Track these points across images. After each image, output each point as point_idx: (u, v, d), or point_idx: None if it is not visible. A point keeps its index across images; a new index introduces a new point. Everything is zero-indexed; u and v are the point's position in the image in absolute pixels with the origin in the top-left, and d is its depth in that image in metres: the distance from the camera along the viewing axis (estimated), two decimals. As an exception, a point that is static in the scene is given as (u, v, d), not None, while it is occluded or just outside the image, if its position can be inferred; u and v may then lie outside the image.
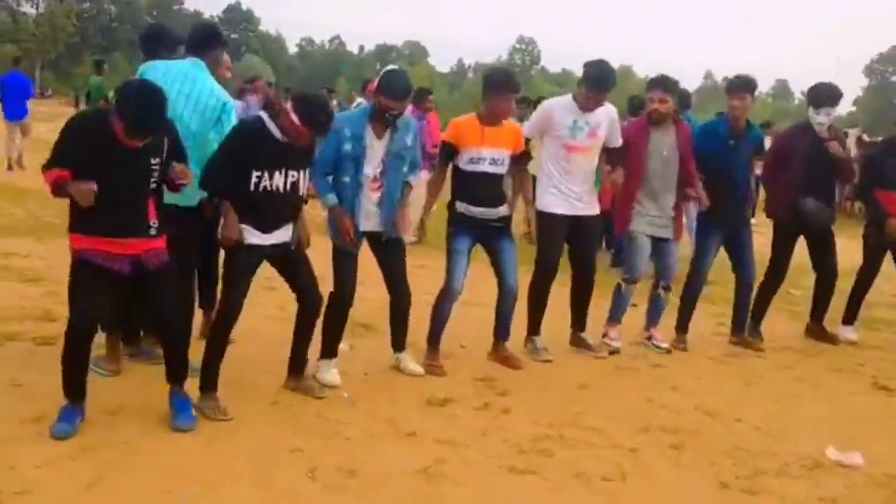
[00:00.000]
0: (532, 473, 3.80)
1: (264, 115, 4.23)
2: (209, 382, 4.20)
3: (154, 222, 3.89)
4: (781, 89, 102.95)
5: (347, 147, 4.59)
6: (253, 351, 4.88)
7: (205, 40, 4.73)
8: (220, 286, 5.16)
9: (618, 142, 5.60)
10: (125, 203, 3.78)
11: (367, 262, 4.89)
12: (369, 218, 4.71)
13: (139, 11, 78.39)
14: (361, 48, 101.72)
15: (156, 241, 3.91)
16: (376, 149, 4.65)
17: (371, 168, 4.65)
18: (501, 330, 5.34)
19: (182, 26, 4.91)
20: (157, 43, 4.90)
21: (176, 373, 4.05)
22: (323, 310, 4.60)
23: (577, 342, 5.76)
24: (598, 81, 5.32)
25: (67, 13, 70.18)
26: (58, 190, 3.72)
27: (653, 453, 4.14)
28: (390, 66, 4.86)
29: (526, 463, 3.90)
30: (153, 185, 3.88)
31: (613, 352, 5.76)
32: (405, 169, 4.79)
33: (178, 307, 4.10)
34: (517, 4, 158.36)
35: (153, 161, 3.82)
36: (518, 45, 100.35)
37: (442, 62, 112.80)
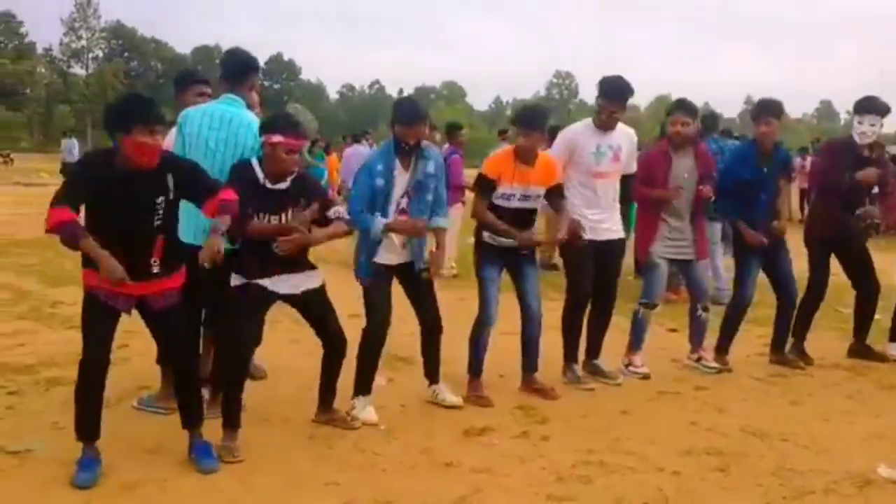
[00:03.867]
0: (571, 500, 3.73)
1: (253, 160, 4.23)
2: (230, 420, 4.17)
3: (156, 262, 3.78)
4: (825, 110, 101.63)
5: (380, 182, 4.60)
6: (290, 386, 4.91)
7: (240, 70, 4.73)
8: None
9: (633, 168, 5.58)
10: (128, 243, 3.69)
11: (403, 297, 4.88)
12: (395, 251, 4.71)
13: (185, 67, 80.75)
14: (401, 91, 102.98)
15: (162, 281, 3.83)
16: (401, 181, 4.68)
17: (396, 201, 4.67)
18: (530, 361, 5.29)
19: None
20: (184, 87, 5.03)
21: (191, 417, 4.03)
22: (357, 347, 4.64)
23: (591, 369, 5.67)
24: (613, 92, 5.31)
25: (115, 72, 72.63)
26: (67, 235, 3.58)
27: (696, 476, 4.04)
28: (400, 97, 4.89)
29: (565, 490, 3.83)
30: (158, 224, 3.77)
31: (645, 377, 5.66)
32: (429, 197, 4.78)
33: (189, 349, 4.07)
34: (553, 39, 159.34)
35: (157, 200, 3.73)
36: (555, 80, 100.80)
37: (480, 101, 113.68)
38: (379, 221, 4.55)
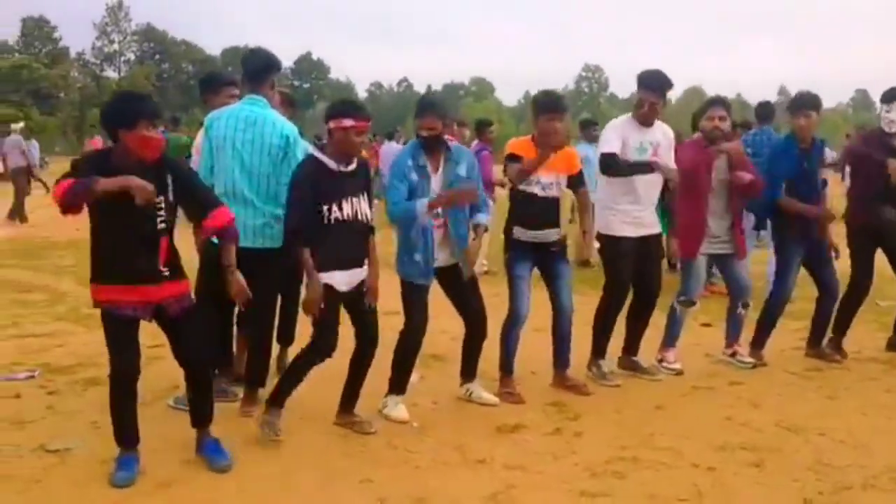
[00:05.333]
0: (604, 496, 3.72)
1: (315, 151, 4.34)
2: (277, 399, 4.27)
3: (165, 266, 3.77)
4: (861, 100, 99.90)
5: (414, 177, 4.61)
6: (323, 385, 4.91)
7: (260, 70, 4.75)
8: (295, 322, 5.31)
9: (672, 165, 5.53)
10: (135, 245, 3.69)
11: (436, 296, 4.87)
12: (436, 255, 4.69)
13: (215, 68, 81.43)
14: (429, 88, 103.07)
15: (173, 284, 3.82)
16: (436, 181, 4.67)
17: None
18: (561, 357, 5.27)
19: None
20: (216, 90, 5.08)
21: (201, 417, 4.05)
22: (395, 346, 4.71)
23: (630, 366, 5.64)
24: (653, 84, 5.28)
25: (147, 75, 73.41)
26: (80, 188, 3.48)
27: (731, 472, 4.00)
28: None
29: (598, 486, 3.82)
30: (162, 226, 3.74)
31: (678, 373, 5.62)
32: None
33: (205, 351, 4.06)
34: (581, 33, 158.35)
35: (157, 199, 3.68)
36: (584, 73, 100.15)
37: (508, 96, 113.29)
38: (420, 202, 4.50)
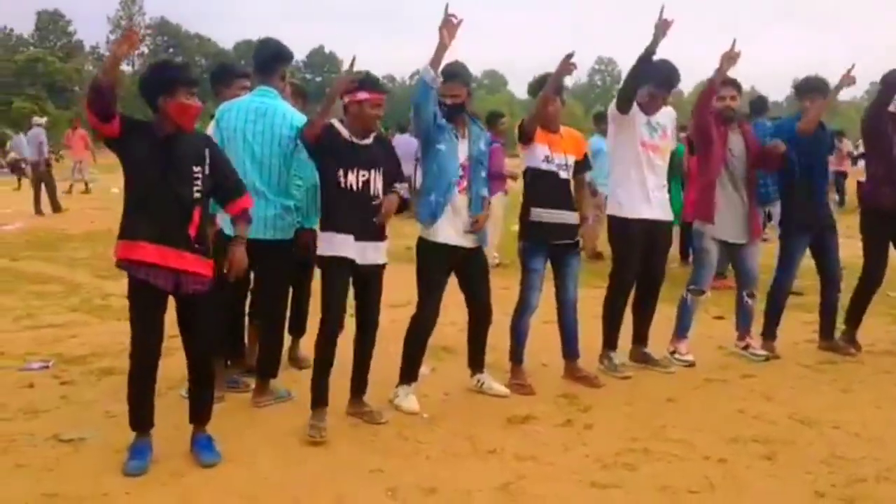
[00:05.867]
0: (615, 487, 3.71)
1: (335, 122, 4.35)
2: (315, 399, 4.31)
3: (196, 237, 3.78)
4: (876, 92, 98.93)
5: (443, 121, 4.61)
6: (334, 375, 4.92)
7: (270, 61, 4.76)
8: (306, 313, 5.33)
9: (674, 144, 5.52)
10: (167, 206, 3.70)
11: (449, 287, 4.86)
12: (457, 227, 4.66)
13: (228, 62, 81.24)
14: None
15: (198, 259, 3.80)
16: (463, 147, 4.68)
17: (458, 166, 4.65)
18: (570, 348, 5.27)
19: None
20: (228, 82, 5.09)
21: (199, 413, 4.03)
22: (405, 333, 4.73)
23: (641, 358, 5.62)
24: (663, 79, 5.25)
25: (161, 69, 73.51)
26: (100, 76, 3.60)
27: (743, 464, 3.99)
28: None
29: (609, 477, 3.81)
30: (197, 195, 3.78)
31: (690, 365, 5.60)
32: (483, 174, 4.79)
33: (212, 344, 4.07)
34: (594, 25, 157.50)
35: (195, 169, 3.77)
36: (597, 66, 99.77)
37: (520, 89, 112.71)
38: (425, 69, 4.44)
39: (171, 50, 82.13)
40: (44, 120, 19.11)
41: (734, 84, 5.59)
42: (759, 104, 9.21)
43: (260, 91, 4.68)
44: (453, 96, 4.64)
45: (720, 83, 5.42)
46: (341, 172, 4.24)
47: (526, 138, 5.00)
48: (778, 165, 5.67)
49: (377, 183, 4.32)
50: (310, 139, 4.21)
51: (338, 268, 4.26)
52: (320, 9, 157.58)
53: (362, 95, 4.24)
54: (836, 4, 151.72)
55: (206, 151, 3.86)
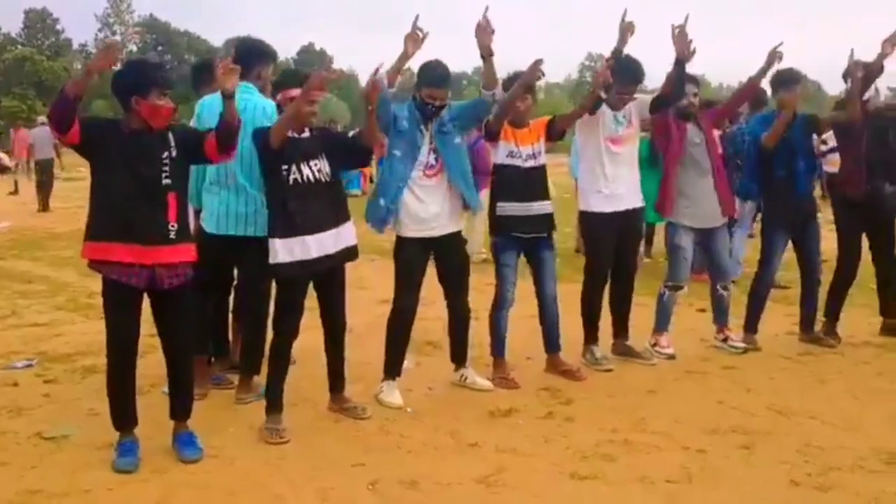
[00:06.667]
0: (594, 478, 3.75)
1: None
2: (271, 404, 4.30)
3: (174, 226, 3.74)
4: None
5: (404, 124, 4.63)
6: (317, 370, 4.96)
7: (247, 58, 4.70)
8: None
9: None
10: (135, 198, 3.67)
11: (431, 282, 4.91)
12: (421, 217, 4.68)
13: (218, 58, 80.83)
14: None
15: (176, 248, 3.77)
16: (426, 138, 4.70)
17: (423, 157, 4.67)
18: (551, 341, 5.31)
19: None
20: (200, 78, 5.11)
21: (179, 409, 4.03)
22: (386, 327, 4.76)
23: (623, 351, 5.67)
24: (629, 78, 5.28)
25: (149, 66, 73.20)
26: (66, 91, 3.53)
27: (721, 454, 4.04)
28: (425, 60, 4.78)
29: (588, 468, 3.85)
30: (167, 181, 3.74)
31: (670, 357, 5.65)
32: (457, 140, 4.78)
33: (190, 341, 4.06)
34: (583, 21, 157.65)
35: (163, 155, 3.74)
36: (587, 62, 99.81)
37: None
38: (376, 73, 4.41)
39: (159, 48, 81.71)
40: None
41: (693, 81, 5.65)
42: (757, 98, 9.15)
43: (239, 87, 4.68)
44: (441, 99, 4.67)
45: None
46: (294, 168, 4.17)
47: (491, 136, 5.06)
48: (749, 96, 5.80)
49: (326, 169, 4.27)
50: (276, 146, 4.14)
51: (298, 273, 4.23)
52: (311, 6, 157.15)
53: (294, 93, 4.20)
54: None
55: (170, 136, 3.81)
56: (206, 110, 4.67)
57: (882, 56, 5.52)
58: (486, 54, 4.70)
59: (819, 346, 5.93)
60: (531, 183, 5.09)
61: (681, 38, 5.13)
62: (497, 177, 5.14)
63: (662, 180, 5.68)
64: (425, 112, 4.67)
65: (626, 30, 5.10)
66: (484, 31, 4.66)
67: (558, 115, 5.37)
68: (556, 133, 5.22)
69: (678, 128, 5.59)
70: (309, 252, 4.20)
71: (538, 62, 4.80)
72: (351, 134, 4.50)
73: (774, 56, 5.54)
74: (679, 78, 5.23)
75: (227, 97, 3.82)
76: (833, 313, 6.12)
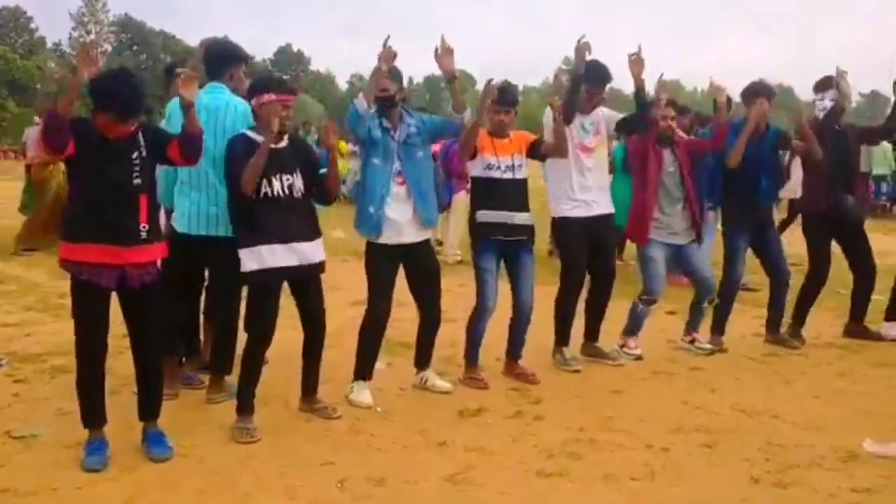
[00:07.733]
0: (559, 476, 3.82)
1: (247, 131, 4.35)
2: (242, 405, 4.32)
3: (144, 227, 3.78)
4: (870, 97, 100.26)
5: (377, 133, 4.67)
6: (289, 369, 4.99)
7: (217, 61, 4.79)
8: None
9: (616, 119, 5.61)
10: (108, 200, 3.71)
11: (405, 286, 4.94)
12: (397, 225, 4.70)
13: (193, 60, 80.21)
14: (411, 80, 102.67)
15: (147, 248, 3.81)
16: (395, 146, 4.72)
17: (396, 164, 4.70)
18: (514, 349, 5.34)
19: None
20: (171, 78, 5.13)
21: (148, 410, 4.04)
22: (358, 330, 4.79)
23: (592, 352, 5.74)
24: (596, 77, 5.38)
25: (125, 67, 72.63)
26: (46, 122, 3.57)
27: (684, 452, 4.12)
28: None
29: (554, 466, 3.92)
30: (137, 181, 3.76)
31: (638, 358, 5.73)
32: (420, 154, 4.79)
33: (159, 340, 4.07)
34: (562, 25, 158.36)
35: (133, 156, 3.76)
36: (564, 66, 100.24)
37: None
38: (360, 100, 4.53)
39: (134, 47, 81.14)
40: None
41: (673, 104, 5.78)
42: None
43: (210, 87, 4.70)
44: (388, 91, 4.65)
45: (664, 103, 5.58)
46: (265, 182, 4.16)
47: (468, 158, 5.10)
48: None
49: (299, 185, 4.27)
50: (249, 192, 4.14)
51: (269, 281, 4.24)
52: (288, 6, 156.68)
53: (268, 97, 4.20)
54: (792, 6, 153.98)
55: (140, 136, 3.82)
56: (176, 113, 4.68)
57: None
58: (449, 79, 4.80)
59: (784, 348, 6.05)
60: (510, 194, 5.11)
61: (636, 65, 5.30)
62: (474, 188, 5.19)
63: (634, 207, 5.72)
64: (381, 109, 4.69)
65: (583, 49, 5.19)
66: (443, 58, 4.73)
67: (543, 140, 5.28)
68: (539, 157, 5.26)
69: (656, 154, 5.65)
70: (277, 260, 4.21)
71: (489, 82, 4.91)
72: (321, 172, 4.48)
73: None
74: (640, 104, 5.37)
75: (187, 108, 3.84)
76: (800, 316, 6.25)
